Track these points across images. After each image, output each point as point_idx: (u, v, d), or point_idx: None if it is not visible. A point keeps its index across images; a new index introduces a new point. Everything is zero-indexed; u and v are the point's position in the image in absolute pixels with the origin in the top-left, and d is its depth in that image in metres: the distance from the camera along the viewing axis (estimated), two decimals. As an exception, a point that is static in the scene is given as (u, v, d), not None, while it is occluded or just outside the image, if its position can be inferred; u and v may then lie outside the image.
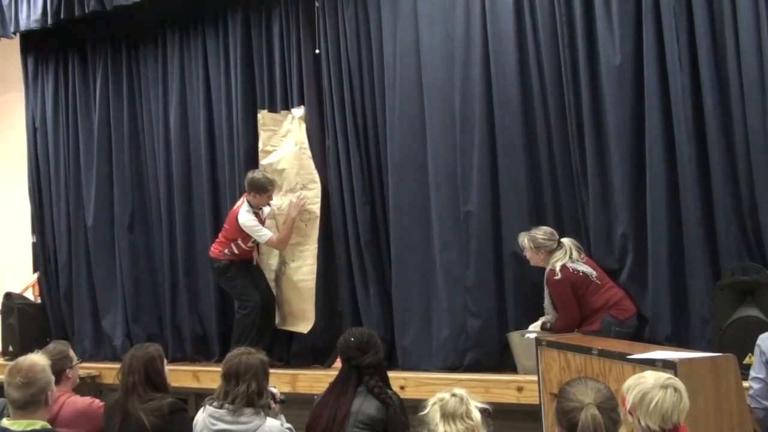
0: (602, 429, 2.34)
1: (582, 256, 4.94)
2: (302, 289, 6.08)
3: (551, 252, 4.92)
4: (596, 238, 5.13)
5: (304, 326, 6.06)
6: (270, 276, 6.30)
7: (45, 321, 7.47)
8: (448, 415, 2.67)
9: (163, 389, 3.86)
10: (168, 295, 6.89)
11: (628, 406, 2.66)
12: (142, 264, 7.13)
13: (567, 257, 4.87)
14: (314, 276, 6.04)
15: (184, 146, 6.86)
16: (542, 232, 4.98)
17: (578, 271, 4.85)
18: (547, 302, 5.02)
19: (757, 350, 3.74)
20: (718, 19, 4.78)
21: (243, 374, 3.51)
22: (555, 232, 5.00)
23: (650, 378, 2.71)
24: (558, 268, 4.83)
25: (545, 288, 4.99)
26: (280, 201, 6.21)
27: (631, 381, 2.74)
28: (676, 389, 2.65)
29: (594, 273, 4.88)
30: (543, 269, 5.00)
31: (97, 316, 7.25)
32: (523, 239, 5.01)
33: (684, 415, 2.66)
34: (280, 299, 6.24)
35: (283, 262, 6.20)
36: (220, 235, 6.21)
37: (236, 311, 6.13)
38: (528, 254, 5.03)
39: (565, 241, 4.95)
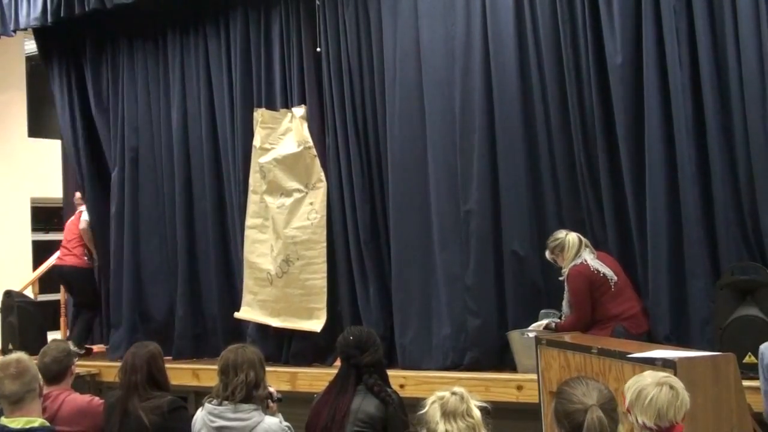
0: (607, 431, 2.34)
1: (593, 251, 4.86)
2: (312, 287, 6.07)
3: (564, 249, 4.83)
4: (596, 237, 5.13)
5: (315, 324, 6.03)
6: (261, 275, 6.29)
7: (44, 319, 7.47)
8: (448, 414, 2.66)
9: (164, 387, 3.87)
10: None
11: (626, 404, 2.67)
12: (141, 263, 7.13)
13: (585, 254, 4.78)
14: (325, 274, 6.03)
15: (185, 145, 6.85)
16: (551, 237, 4.93)
17: (599, 271, 4.75)
18: (565, 303, 4.92)
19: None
20: (718, 18, 4.78)
21: (240, 365, 3.52)
22: (562, 230, 4.92)
23: (648, 376, 2.75)
24: (578, 263, 4.76)
25: (566, 287, 4.90)
26: (280, 200, 6.21)
27: (631, 380, 2.77)
28: (672, 387, 2.67)
29: (615, 278, 4.77)
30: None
31: (96, 316, 7.26)
32: (546, 253, 4.97)
33: (682, 413, 2.66)
34: (280, 298, 6.23)
35: (285, 261, 6.17)
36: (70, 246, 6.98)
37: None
38: (558, 262, 4.94)
39: (571, 236, 4.84)
